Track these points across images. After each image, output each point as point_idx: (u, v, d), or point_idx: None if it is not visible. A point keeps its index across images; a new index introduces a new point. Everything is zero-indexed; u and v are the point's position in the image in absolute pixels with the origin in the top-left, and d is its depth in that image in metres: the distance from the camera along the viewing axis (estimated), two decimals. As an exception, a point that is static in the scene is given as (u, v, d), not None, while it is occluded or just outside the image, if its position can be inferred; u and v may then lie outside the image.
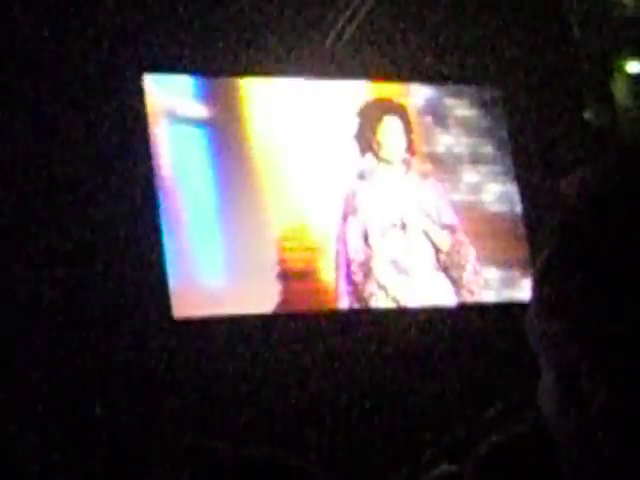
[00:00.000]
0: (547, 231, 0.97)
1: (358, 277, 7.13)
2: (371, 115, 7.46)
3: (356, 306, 7.11)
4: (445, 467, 2.12)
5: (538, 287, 0.94)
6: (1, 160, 6.42)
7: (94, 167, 6.60)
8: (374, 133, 7.43)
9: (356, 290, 7.12)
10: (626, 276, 0.88)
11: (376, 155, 7.42)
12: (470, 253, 7.44)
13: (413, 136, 7.59)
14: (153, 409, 6.35)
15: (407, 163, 7.51)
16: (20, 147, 6.48)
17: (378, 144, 7.42)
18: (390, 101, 7.60)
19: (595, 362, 0.88)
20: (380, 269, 7.18)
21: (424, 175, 7.54)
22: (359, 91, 7.57)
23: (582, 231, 0.92)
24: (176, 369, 6.53)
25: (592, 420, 0.87)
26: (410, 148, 7.54)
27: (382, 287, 7.15)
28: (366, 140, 7.40)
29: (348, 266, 7.14)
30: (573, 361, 0.89)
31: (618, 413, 0.86)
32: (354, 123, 7.41)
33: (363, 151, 7.39)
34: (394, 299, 7.16)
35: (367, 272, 7.15)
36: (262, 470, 1.84)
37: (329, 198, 7.23)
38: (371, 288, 7.14)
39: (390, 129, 7.49)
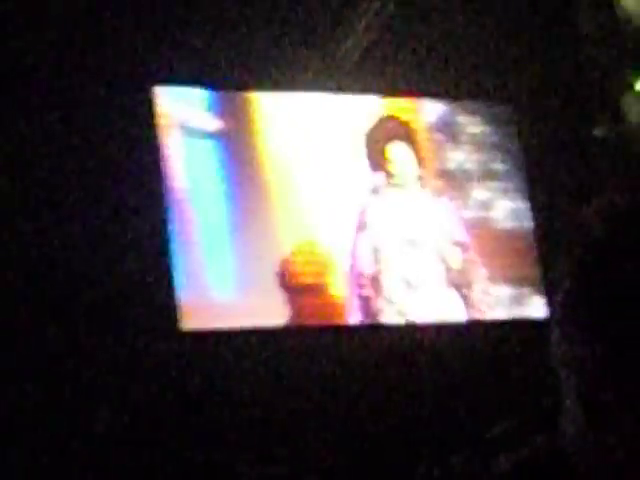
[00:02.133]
0: (568, 258, 0.97)
1: (368, 292, 7.14)
2: (376, 141, 7.46)
3: (366, 321, 7.11)
4: None
5: (562, 312, 0.95)
6: (7, 170, 6.43)
7: (104, 179, 6.62)
8: (383, 159, 7.44)
9: (366, 305, 7.12)
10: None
11: (388, 176, 7.43)
12: (480, 272, 7.43)
13: (423, 154, 7.59)
14: (160, 422, 6.35)
15: (421, 180, 7.51)
16: (28, 161, 6.49)
17: (387, 171, 7.42)
18: (394, 122, 7.57)
19: (618, 389, 0.88)
20: (390, 285, 7.18)
21: (436, 192, 7.54)
22: (371, 106, 7.58)
23: (605, 259, 0.92)
24: (183, 382, 6.53)
25: (613, 446, 0.88)
26: (422, 166, 7.54)
27: (391, 303, 7.15)
28: (376, 162, 7.41)
29: (358, 281, 7.14)
30: (597, 387, 0.90)
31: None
32: (363, 144, 7.42)
33: (374, 169, 7.40)
34: (403, 315, 7.17)
35: (377, 287, 7.16)
36: None
37: (340, 213, 7.23)
38: (380, 303, 7.14)
39: (396, 157, 7.49)
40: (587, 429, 0.91)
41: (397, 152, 7.49)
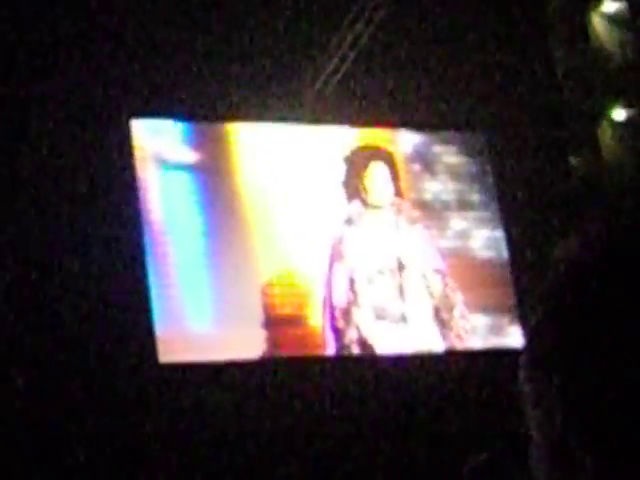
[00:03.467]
0: (537, 296, 0.97)
1: (340, 324, 7.12)
2: (357, 162, 7.48)
3: (341, 352, 7.09)
4: None
5: (529, 353, 0.95)
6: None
7: (82, 212, 6.60)
8: (361, 179, 7.45)
9: (340, 336, 7.11)
10: (613, 347, 0.88)
11: (364, 201, 7.44)
12: (458, 297, 7.44)
13: (401, 182, 7.61)
14: (138, 453, 6.32)
15: (397, 207, 7.52)
16: (6, 194, 6.48)
17: (365, 190, 7.44)
18: (376, 148, 7.63)
19: (581, 431, 0.89)
20: (363, 316, 7.17)
21: (412, 221, 7.55)
22: (347, 137, 7.60)
23: (571, 301, 0.92)
24: (162, 414, 6.50)
25: None
26: (398, 193, 7.57)
27: (365, 334, 7.13)
28: (353, 186, 7.42)
29: (332, 312, 7.12)
30: (562, 429, 0.90)
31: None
32: (341, 169, 7.43)
33: (350, 197, 7.41)
34: (377, 346, 7.15)
35: (348, 319, 7.13)
36: None
37: (317, 244, 7.22)
38: (353, 334, 7.12)
39: (376, 175, 7.51)
40: (553, 470, 0.92)
41: (378, 172, 7.52)
